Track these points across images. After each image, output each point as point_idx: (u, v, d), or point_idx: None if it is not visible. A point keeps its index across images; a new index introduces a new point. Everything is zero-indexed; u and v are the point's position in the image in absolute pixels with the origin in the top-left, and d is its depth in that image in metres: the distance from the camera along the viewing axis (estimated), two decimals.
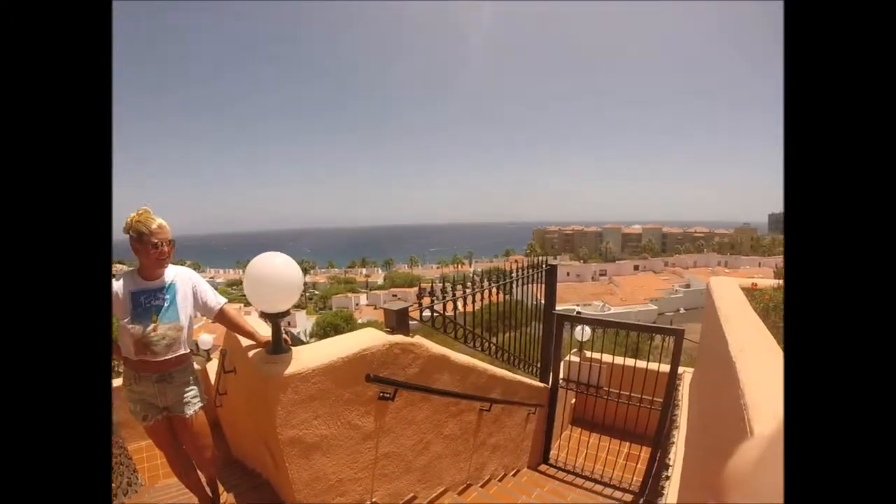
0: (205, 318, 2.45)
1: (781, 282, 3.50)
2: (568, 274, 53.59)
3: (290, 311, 2.23)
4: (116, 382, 3.73)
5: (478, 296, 3.64)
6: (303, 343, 3.01)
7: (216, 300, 2.39)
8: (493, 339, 4.11)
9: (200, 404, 2.42)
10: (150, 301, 2.18)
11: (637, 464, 5.03)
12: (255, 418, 2.62)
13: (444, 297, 3.27)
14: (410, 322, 2.93)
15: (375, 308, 47.66)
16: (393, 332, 2.76)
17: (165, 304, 2.21)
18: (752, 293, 3.43)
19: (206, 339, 7.00)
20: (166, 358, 2.22)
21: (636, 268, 59.86)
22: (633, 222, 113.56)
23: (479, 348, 3.87)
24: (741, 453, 0.43)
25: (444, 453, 3.31)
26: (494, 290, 3.91)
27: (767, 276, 4.07)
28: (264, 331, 2.37)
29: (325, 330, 31.68)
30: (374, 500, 2.67)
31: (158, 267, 2.21)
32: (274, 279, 2.02)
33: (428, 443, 3.10)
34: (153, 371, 2.24)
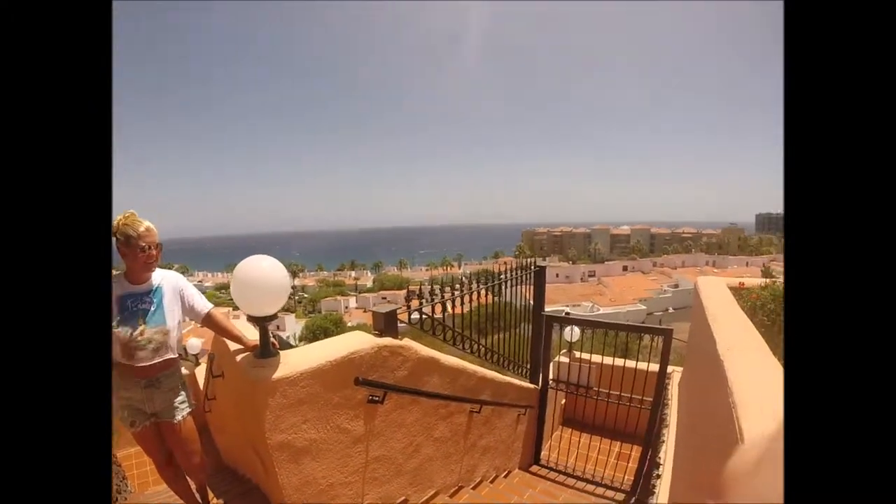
0: (193, 322, 2.43)
1: (768, 280, 3.53)
2: (557, 275, 53.81)
3: (279, 315, 2.21)
4: None
5: (467, 298, 3.64)
6: (291, 346, 2.98)
7: (203, 304, 2.37)
8: (483, 341, 4.11)
9: (188, 410, 2.40)
10: (136, 305, 2.15)
11: (628, 463, 5.06)
12: (244, 423, 2.59)
13: (432, 300, 3.26)
14: (400, 325, 2.92)
15: (365, 311, 47.49)
16: (381, 334, 2.74)
17: (152, 308, 2.19)
18: (739, 292, 3.46)
19: (194, 343, 6.93)
20: (153, 362, 2.19)
21: (625, 268, 60.26)
22: (622, 223, 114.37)
23: (469, 350, 3.87)
24: (741, 453, 0.43)
25: (435, 456, 3.30)
26: (483, 292, 3.91)
27: (755, 275, 4.11)
28: (252, 335, 2.35)
29: (315, 333, 31.48)
30: (365, 503, 2.65)
31: (146, 270, 2.19)
32: (261, 282, 2.01)
33: (418, 445, 3.08)
34: (140, 376, 2.21)
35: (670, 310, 41.66)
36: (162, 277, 2.26)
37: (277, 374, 2.07)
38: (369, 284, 71.13)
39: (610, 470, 4.93)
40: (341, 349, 2.38)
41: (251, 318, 2.10)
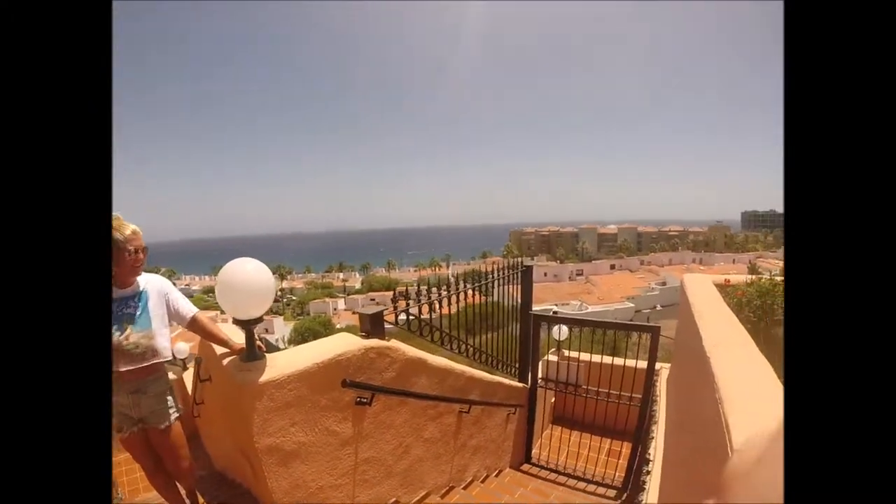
0: (180, 326, 2.40)
1: (754, 277, 3.58)
2: (545, 274, 53.96)
3: (264, 318, 2.19)
4: None
5: (455, 298, 3.63)
6: (278, 349, 2.96)
7: (188, 308, 2.35)
8: (471, 341, 4.11)
9: (176, 415, 2.37)
10: (122, 309, 2.13)
11: (619, 459, 5.08)
12: (232, 427, 2.57)
13: (419, 300, 3.26)
14: (388, 327, 2.91)
15: (353, 312, 47.26)
16: (368, 336, 2.73)
17: (138, 312, 2.16)
18: (725, 289, 3.50)
19: (182, 347, 6.86)
20: (139, 366, 2.16)
21: (612, 267, 60.58)
22: (610, 222, 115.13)
23: (457, 351, 3.86)
24: (741, 453, 0.43)
25: (425, 456, 3.29)
26: (471, 292, 3.91)
27: (742, 272, 4.16)
28: (239, 338, 2.33)
29: (304, 336, 31.32)
30: None
31: (132, 274, 2.16)
32: (245, 285, 1.99)
33: (408, 446, 3.07)
34: (127, 381, 2.17)
35: (658, 307, 41.97)
36: (147, 281, 2.24)
37: (264, 378, 2.06)
38: (358, 286, 70.95)
39: (601, 467, 4.95)
40: (328, 351, 2.37)
41: (237, 322, 2.08)
